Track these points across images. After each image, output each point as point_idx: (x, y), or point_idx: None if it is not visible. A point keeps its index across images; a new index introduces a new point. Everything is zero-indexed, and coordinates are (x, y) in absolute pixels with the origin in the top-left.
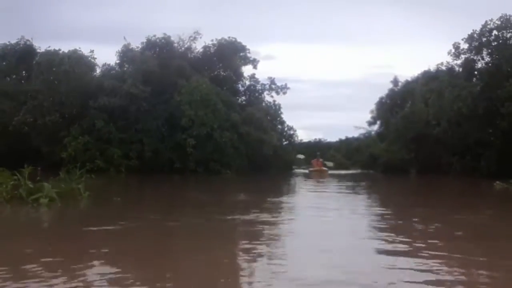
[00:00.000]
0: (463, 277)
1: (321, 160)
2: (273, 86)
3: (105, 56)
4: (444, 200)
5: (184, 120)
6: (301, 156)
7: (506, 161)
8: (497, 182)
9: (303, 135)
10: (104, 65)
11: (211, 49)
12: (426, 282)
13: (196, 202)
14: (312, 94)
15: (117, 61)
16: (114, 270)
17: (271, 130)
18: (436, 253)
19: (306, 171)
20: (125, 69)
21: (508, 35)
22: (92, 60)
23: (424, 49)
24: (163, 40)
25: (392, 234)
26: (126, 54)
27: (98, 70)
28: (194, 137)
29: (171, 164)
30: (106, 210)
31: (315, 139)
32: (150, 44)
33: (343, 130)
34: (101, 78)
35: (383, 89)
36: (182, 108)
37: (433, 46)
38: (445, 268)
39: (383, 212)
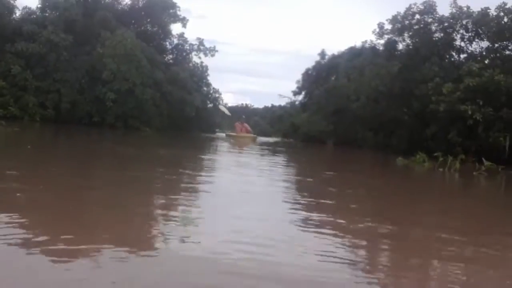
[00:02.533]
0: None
1: (246, 124)
2: (201, 47)
3: None
4: (351, 168)
5: (105, 74)
6: (224, 109)
7: (415, 140)
8: (400, 158)
9: (231, 99)
10: (24, 8)
11: (140, 2)
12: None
13: (113, 154)
14: (243, 58)
15: (39, 6)
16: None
17: (195, 91)
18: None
19: (228, 134)
20: (47, 14)
21: (429, 20)
22: (12, 2)
23: (358, 25)
24: None
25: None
26: None
27: (17, 13)
28: (115, 91)
29: (89, 117)
30: (14, 156)
31: (242, 104)
32: None
33: (270, 97)
34: (20, 22)
35: (312, 61)
36: (105, 61)
37: (365, 23)
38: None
39: (297, 178)
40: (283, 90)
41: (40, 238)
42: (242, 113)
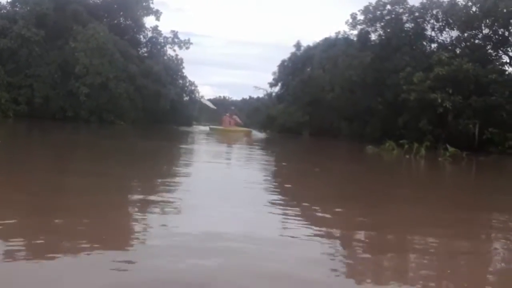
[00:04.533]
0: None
1: (235, 116)
2: (175, 39)
3: None
4: (322, 156)
5: (78, 68)
6: (207, 103)
7: (389, 129)
8: (369, 146)
9: (210, 92)
10: None
11: None
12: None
13: (88, 147)
14: (222, 51)
15: (9, 0)
16: None
17: (169, 84)
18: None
19: (212, 128)
20: (17, 9)
21: (400, 11)
22: None
23: (336, 15)
24: None
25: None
26: None
27: None
28: (88, 85)
29: (63, 112)
30: None
31: (220, 96)
32: None
33: (249, 89)
34: None
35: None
36: (77, 55)
37: (343, 13)
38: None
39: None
40: (261, 82)
41: (15, 239)
42: (220, 107)
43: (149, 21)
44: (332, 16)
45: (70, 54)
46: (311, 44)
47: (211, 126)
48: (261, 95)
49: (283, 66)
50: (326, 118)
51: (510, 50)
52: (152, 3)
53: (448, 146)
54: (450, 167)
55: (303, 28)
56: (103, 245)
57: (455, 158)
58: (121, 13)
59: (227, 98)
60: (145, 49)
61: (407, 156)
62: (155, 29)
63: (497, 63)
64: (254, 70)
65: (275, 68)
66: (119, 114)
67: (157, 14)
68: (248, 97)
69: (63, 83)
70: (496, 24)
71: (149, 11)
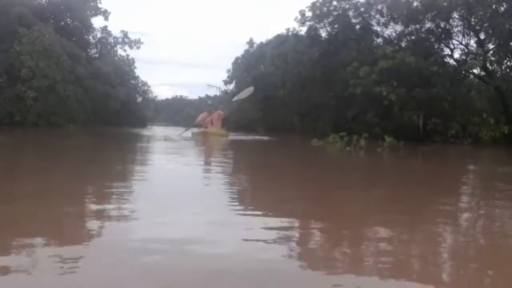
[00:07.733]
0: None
1: (219, 112)
2: (126, 40)
3: None
4: (270, 151)
5: (24, 72)
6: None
7: (339, 123)
8: (314, 140)
9: (168, 92)
10: None
11: None
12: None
13: (39, 149)
14: (181, 50)
15: None
16: None
17: (119, 85)
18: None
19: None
20: None
21: (346, 6)
22: None
23: (291, 12)
24: None
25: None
26: None
27: None
28: (35, 89)
29: (11, 117)
30: None
31: (177, 95)
32: None
33: (206, 88)
34: None
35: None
36: (22, 58)
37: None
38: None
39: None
40: (219, 80)
41: None
42: (175, 107)
43: (98, 22)
44: (287, 13)
45: (15, 58)
46: (264, 41)
47: (194, 131)
48: (218, 94)
49: (237, 63)
50: (279, 114)
51: (451, 43)
52: (100, 3)
53: (386, 137)
54: (384, 156)
55: (261, 26)
56: (49, 245)
57: (393, 148)
58: (68, 14)
59: (184, 97)
60: (94, 50)
61: (348, 148)
62: (104, 29)
63: (439, 56)
64: (212, 69)
65: (230, 66)
66: (68, 117)
67: (105, 14)
68: (204, 96)
69: (9, 87)
70: (437, 18)
71: (97, 11)
